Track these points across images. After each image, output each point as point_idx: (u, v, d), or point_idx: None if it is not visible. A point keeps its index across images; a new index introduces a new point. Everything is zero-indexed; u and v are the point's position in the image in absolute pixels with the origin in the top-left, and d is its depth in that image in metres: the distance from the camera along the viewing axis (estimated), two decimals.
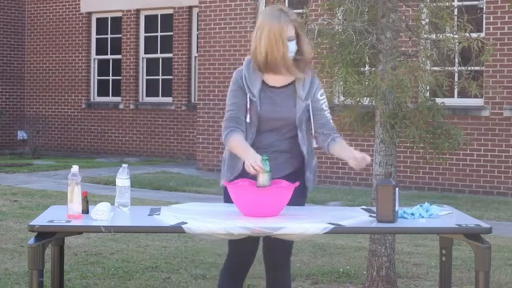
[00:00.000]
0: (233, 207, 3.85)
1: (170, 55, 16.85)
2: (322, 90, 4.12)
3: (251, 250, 4.12)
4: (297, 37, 4.01)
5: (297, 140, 4.06)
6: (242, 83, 4.02)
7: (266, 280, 4.29)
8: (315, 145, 4.13)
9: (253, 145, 3.99)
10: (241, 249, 4.06)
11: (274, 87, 4.05)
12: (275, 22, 3.93)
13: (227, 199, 4.00)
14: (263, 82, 4.04)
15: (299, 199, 4.05)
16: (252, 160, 3.80)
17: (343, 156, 3.95)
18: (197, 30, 15.63)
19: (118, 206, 3.84)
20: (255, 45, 3.99)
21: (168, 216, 3.73)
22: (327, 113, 4.10)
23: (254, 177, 3.89)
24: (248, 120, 4.02)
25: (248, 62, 4.07)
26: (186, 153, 16.43)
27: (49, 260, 4.04)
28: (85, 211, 3.70)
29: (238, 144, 3.96)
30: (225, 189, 4.03)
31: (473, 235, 3.60)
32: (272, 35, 3.92)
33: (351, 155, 3.87)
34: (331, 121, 4.11)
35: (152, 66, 17.28)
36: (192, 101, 16.37)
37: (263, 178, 3.79)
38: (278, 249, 4.15)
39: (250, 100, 4.01)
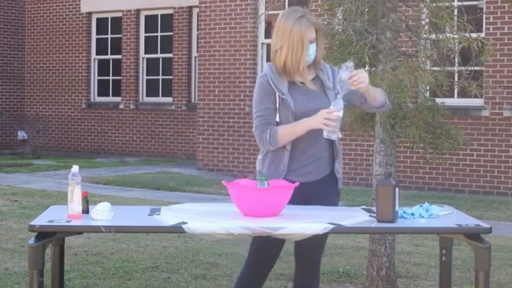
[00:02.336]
0: (233, 207, 3.85)
1: (170, 55, 16.84)
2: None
3: (273, 257, 4.08)
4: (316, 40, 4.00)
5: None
6: (270, 85, 3.97)
7: (295, 279, 4.24)
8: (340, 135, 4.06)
9: (291, 149, 3.97)
10: (263, 255, 4.02)
11: (302, 82, 4.01)
12: (297, 27, 3.90)
13: None
14: (289, 81, 4.00)
15: (334, 197, 4.10)
16: (318, 118, 3.83)
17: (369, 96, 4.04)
18: (197, 30, 15.63)
19: None
20: (275, 50, 3.96)
21: (168, 216, 3.72)
22: None
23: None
24: (278, 119, 3.96)
25: (270, 66, 4.03)
26: (186, 153, 16.42)
27: (49, 260, 4.04)
28: (85, 211, 3.71)
29: (288, 128, 3.93)
30: None
31: (473, 235, 3.60)
32: (293, 40, 3.90)
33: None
34: None
35: (152, 66, 17.28)
36: (192, 101, 16.37)
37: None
38: (311, 246, 4.09)
39: (281, 98, 3.95)
